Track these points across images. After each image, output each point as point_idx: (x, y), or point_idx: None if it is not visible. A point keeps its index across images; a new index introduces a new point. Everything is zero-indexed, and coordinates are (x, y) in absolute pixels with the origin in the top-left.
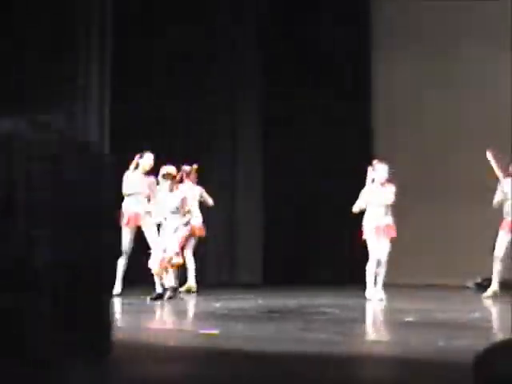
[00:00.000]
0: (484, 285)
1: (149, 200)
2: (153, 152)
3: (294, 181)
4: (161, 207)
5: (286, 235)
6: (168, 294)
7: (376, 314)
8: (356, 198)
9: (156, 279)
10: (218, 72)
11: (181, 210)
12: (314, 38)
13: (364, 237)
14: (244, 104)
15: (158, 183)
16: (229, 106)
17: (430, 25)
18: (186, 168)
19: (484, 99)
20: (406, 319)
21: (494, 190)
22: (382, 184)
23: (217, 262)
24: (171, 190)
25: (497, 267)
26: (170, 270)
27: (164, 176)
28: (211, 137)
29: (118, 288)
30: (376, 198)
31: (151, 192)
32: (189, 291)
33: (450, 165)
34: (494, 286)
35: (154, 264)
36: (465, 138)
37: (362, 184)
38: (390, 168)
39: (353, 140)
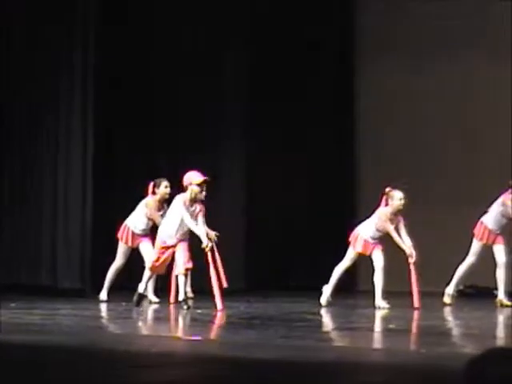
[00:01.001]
0: (466, 292)
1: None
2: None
3: (275, 188)
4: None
5: (269, 241)
6: (135, 298)
7: (358, 321)
8: (339, 203)
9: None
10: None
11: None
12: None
13: (359, 249)
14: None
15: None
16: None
17: (416, 33)
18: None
19: (468, 107)
20: (389, 326)
21: (478, 199)
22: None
23: (198, 268)
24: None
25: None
26: (147, 276)
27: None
28: (190, 151)
29: (104, 294)
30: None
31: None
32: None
33: (438, 172)
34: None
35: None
36: (454, 144)
37: (343, 192)
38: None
39: (336, 147)
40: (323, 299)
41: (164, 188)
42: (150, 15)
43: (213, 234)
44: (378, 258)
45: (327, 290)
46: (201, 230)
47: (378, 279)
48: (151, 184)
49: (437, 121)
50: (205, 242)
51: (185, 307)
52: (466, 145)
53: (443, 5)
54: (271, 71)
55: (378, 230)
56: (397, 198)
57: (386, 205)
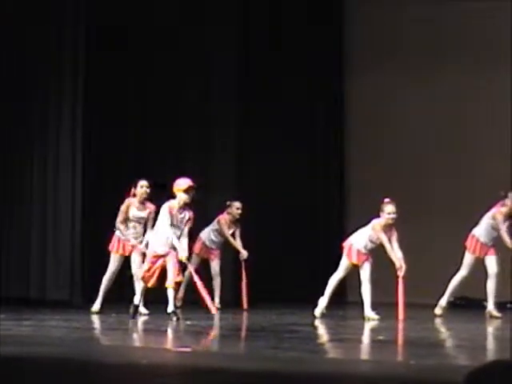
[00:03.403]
0: (457, 303)
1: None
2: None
3: (266, 199)
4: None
5: (259, 253)
6: (131, 310)
7: (348, 332)
8: (329, 214)
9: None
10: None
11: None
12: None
13: (354, 260)
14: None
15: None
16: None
17: (407, 40)
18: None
19: (464, 113)
20: (378, 337)
21: (469, 212)
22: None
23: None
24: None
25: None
26: (141, 287)
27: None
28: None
29: (97, 305)
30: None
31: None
32: None
33: (428, 183)
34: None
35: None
36: (445, 157)
37: (331, 205)
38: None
39: (326, 159)
40: (318, 311)
41: (140, 188)
42: (143, 40)
43: (244, 253)
44: (366, 270)
45: (323, 301)
46: (180, 242)
47: (366, 290)
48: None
49: (429, 133)
50: (182, 255)
51: (174, 318)
52: (456, 157)
53: (434, 12)
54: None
55: (371, 241)
56: (386, 211)
57: None
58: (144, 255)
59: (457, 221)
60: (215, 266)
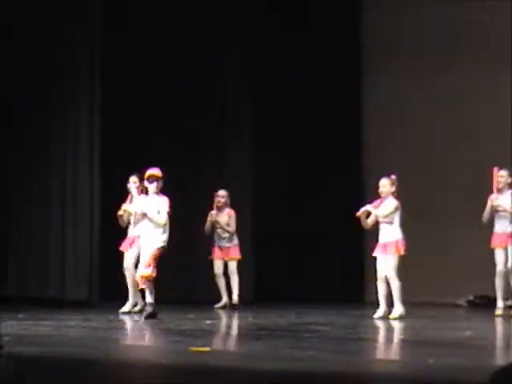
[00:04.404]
0: (475, 302)
1: None
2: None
3: (284, 195)
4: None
5: (275, 253)
6: (148, 310)
7: (367, 331)
8: (346, 210)
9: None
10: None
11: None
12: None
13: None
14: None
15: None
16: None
17: (421, 41)
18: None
19: (480, 113)
20: (398, 337)
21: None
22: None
23: (207, 279)
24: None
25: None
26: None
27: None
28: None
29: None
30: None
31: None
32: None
33: (445, 181)
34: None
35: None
36: (462, 152)
37: (349, 201)
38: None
39: (341, 155)
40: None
41: (132, 183)
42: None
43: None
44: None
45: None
46: None
47: (396, 284)
48: None
49: (444, 132)
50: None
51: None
52: (475, 156)
53: (452, 10)
54: (276, 76)
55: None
56: None
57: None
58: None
59: (476, 221)
60: (232, 265)
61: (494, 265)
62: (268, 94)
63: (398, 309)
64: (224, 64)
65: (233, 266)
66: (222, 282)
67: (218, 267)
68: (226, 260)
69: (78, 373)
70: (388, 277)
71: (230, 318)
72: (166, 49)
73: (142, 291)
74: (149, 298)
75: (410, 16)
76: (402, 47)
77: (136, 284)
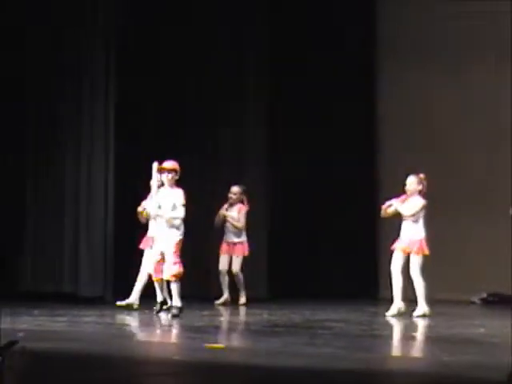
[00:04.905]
0: (489, 300)
1: None
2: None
3: (298, 193)
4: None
5: (292, 249)
6: (173, 311)
7: (381, 328)
8: (363, 215)
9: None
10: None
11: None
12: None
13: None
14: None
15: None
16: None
17: (434, 39)
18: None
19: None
20: (411, 334)
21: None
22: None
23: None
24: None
25: None
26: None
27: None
28: (217, 150)
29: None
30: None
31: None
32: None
33: (460, 179)
34: None
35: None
36: (477, 150)
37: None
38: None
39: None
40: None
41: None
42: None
43: None
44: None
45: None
46: None
47: (420, 283)
48: None
49: (459, 127)
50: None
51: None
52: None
53: (467, 5)
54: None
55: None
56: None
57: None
58: None
59: (489, 220)
60: (236, 262)
61: (507, 262)
62: (285, 93)
63: (423, 307)
64: (241, 63)
65: (237, 264)
66: (225, 279)
67: (223, 264)
68: (232, 255)
69: (91, 368)
70: (412, 276)
71: (244, 315)
72: (182, 49)
73: (169, 290)
74: (177, 302)
75: (426, 12)
76: (418, 43)
77: (150, 276)
